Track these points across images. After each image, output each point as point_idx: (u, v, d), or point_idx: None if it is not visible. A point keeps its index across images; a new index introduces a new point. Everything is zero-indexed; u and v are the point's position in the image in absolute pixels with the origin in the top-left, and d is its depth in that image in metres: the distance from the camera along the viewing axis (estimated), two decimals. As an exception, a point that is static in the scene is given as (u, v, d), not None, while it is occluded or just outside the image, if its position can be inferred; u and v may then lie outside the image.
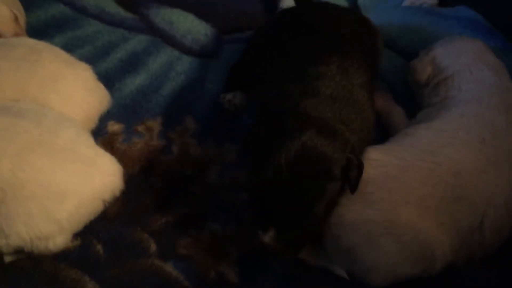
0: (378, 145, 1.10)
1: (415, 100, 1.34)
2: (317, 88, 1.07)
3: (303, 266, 1.06)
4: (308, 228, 0.97)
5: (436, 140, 1.07)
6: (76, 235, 1.05)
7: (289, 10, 1.43)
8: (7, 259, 1.01)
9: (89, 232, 1.07)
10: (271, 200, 0.93)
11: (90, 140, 1.09)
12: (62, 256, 1.04)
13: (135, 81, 1.42)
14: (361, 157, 1.02)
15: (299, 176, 0.92)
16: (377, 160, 1.04)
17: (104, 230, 1.09)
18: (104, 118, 1.28)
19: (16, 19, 1.38)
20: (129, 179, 1.15)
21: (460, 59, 1.25)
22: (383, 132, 1.29)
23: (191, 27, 1.61)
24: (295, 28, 1.28)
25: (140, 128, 1.30)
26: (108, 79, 1.36)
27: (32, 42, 1.22)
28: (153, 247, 1.08)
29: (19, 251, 0.99)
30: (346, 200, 1.00)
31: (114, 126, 1.30)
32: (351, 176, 0.96)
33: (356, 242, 0.99)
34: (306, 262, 1.06)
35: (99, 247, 1.07)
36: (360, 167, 0.97)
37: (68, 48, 1.39)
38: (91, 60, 1.36)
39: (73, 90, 1.18)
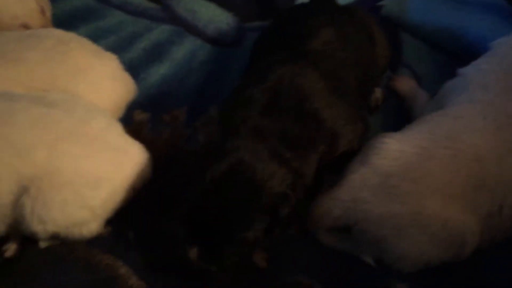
0: (396, 133, 1.09)
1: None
2: (264, 97, 1.00)
3: (332, 253, 1.08)
4: (230, 253, 0.91)
5: (454, 127, 1.07)
6: (108, 222, 1.08)
7: (296, 7, 1.42)
8: (42, 244, 1.04)
9: (121, 218, 1.09)
10: (197, 219, 0.90)
11: (120, 129, 1.10)
12: (95, 242, 1.06)
13: (160, 71, 1.44)
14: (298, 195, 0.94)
15: (221, 201, 0.88)
16: (397, 150, 1.03)
17: (135, 216, 1.11)
18: (131, 108, 1.30)
19: (42, 11, 1.40)
20: (157, 167, 1.17)
21: None
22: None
23: (213, 16, 1.62)
24: (283, 28, 1.25)
25: (166, 117, 1.32)
26: (132, 69, 1.37)
27: (60, 33, 1.24)
28: (182, 234, 1.10)
29: (54, 237, 1.01)
30: (370, 195, 1.01)
31: (140, 115, 1.32)
32: (280, 213, 0.90)
33: (384, 235, 0.99)
34: (335, 249, 1.08)
35: (130, 233, 1.10)
36: (296, 208, 0.92)
37: (93, 38, 1.39)
38: (116, 50, 1.36)
39: (101, 80, 1.20)
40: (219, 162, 0.91)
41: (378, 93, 1.37)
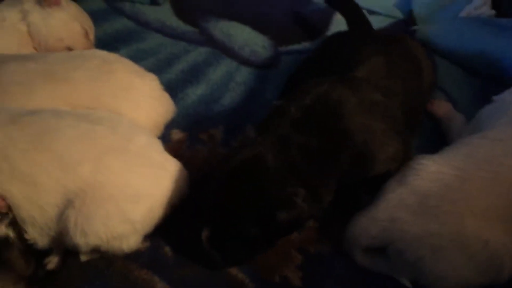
0: (434, 155, 1.09)
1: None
2: (298, 112, 1.04)
3: (368, 273, 1.07)
4: (235, 249, 0.99)
5: (493, 150, 1.06)
6: (146, 237, 1.10)
7: (344, 33, 1.45)
8: (83, 258, 1.07)
9: (158, 234, 1.11)
10: (213, 205, 0.98)
11: (160, 147, 1.13)
12: (133, 256, 1.08)
13: (197, 91, 1.48)
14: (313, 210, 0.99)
15: (230, 191, 0.96)
16: (436, 172, 1.03)
17: (171, 233, 1.13)
18: (169, 126, 1.33)
19: (86, 34, 1.46)
20: (194, 185, 1.19)
21: None
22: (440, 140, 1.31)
23: (248, 39, 1.66)
24: (331, 53, 1.30)
25: (203, 136, 1.35)
26: (171, 90, 1.40)
27: (104, 54, 1.28)
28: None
29: (95, 250, 1.03)
30: (408, 215, 1.00)
31: (178, 134, 1.35)
32: (278, 218, 0.94)
33: (422, 255, 0.98)
34: (370, 269, 1.07)
35: (167, 249, 1.11)
36: (301, 219, 0.97)
37: (133, 60, 1.43)
38: (154, 71, 1.40)
39: (142, 99, 1.24)
40: (236, 157, 0.99)
41: None
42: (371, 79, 1.12)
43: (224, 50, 1.62)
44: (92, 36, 1.49)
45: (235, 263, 1.06)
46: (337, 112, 1.03)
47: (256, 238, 0.96)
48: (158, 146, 1.13)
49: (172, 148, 1.30)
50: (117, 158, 1.03)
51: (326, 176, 1.01)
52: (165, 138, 1.32)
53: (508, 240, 0.97)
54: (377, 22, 1.75)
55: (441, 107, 1.39)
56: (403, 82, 1.17)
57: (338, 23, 1.73)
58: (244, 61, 1.58)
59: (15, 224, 0.98)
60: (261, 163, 0.97)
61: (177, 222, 1.14)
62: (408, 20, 1.77)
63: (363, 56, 1.17)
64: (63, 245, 1.03)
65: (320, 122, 1.02)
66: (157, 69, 1.49)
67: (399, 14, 1.81)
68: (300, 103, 1.05)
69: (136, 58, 1.53)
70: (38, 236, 1.01)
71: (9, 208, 0.97)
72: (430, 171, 1.03)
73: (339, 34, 1.44)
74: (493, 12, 1.72)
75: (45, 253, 1.07)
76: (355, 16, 1.46)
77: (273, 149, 0.98)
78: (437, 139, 1.34)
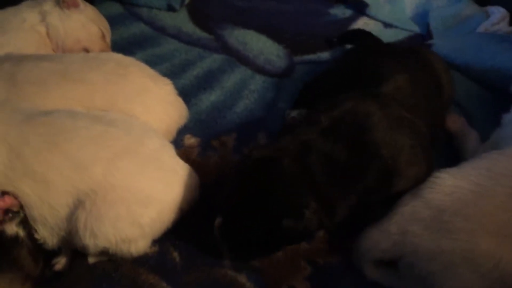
0: (451, 168, 1.07)
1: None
2: (327, 122, 1.04)
3: (376, 286, 1.06)
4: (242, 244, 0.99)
5: (511, 166, 1.05)
6: (155, 242, 1.09)
7: (366, 47, 1.45)
8: (91, 260, 1.06)
9: (167, 239, 1.11)
10: (228, 197, 1.00)
11: (172, 151, 1.13)
12: (141, 260, 1.08)
13: (210, 98, 1.48)
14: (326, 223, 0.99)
15: (245, 187, 0.97)
16: (452, 186, 1.02)
17: (180, 238, 1.13)
18: (181, 132, 1.34)
19: (103, 36, 1.48)
20: (204, 191, 1.19)
21: None
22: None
23: (263, 47, 1.66)
24: (355, 66, 1.30)
25: (215, 143, 1.35)
26: (184, 95, 1.41)
27: (120, 57, 1.29)
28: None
29: (102, 252, 1.03)
30: (420, 229, 0.99)
31: (190, 140, 1.35)
32: (283, 225, 0.93)
33: (433, 270, 0.97)
34: (380, 283, 1.05)
35: (175, 254, 1.11)
36: (304, 230, 0.95)
37: (148, 64, 1.44)
38: (169, 76, 1.41)
39: (156, 103, 1.24)
40: (257, 154, 1.00)
41: None
42: (397, 96, 1.12)
43: (239, 57, 1.62)
44: (108, 39, 1.51)
45: (240, 258, 1.06)
46: (365, 126, 1.03)
47: (262, 240, 0.96)
48: (170, 150, 1.12)
49: (184, 153, 1.30)
50: (130, 160, 1.02)
51: (347, 190, 1.00)
52: (177, 143, 1.32)
53: (521, 260, 0.95)
54: (393, 35, 1.76)
55: (456, 122, 1.38)
56: (427, 99, 1.18)
57: (354, 35, 1.73)
58: (258, 69, 1.58)
59: (25, 223, 0.98)
60: (279, 166, 0.97)
61: (186, 227, 1.14)
62: (425, 34, 1.76)
63: (387, 73, 1.17)
64: (72, 246, 1.03)
65: (348, 134, 1.02)
66: (171, 74, 1.50)
67: (415, 28, 1.80)
68: (329, 114, 1.05)
69: (151, 62, 1.54)
70: (48, 235, 1.01)
71: (21, 206, 0.97)
72: (446, 184, 1.02)
73: (361, 48, 1.44)
74: (510, 28, 1.71)
75: (53, 253, 1.07)
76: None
77: (294, 154, 0.98)
78: (450, 154, 1.32)
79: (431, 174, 1.06)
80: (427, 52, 1.34)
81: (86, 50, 1.44)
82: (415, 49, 1.35)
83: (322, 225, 0.99)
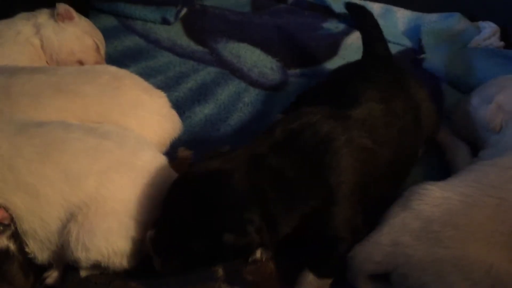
0: (440, 181, 1.09)
1: (476, 141, 1.33)
2: (281, 136, 1.01)
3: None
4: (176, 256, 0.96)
5: (501, 177, 1.07)
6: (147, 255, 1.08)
7: (354, 64, 1.41)
8: (83, 273, 1.05)
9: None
10: (167, 205, 0.97)
11: (166, 164, 1.13)
12: (134, 274, 1.06)
13: (204, 110, 1.48)
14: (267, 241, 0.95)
15: (187, 198, 0.93)
16: (440, 197, 1.03)
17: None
18: (175, 144, 1.33)
19: (97, 49, 1.48)
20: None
21: None
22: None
23: (257, 61, 1.67)
24: (336, 84, 1.28)
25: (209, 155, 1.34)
26: (178, 108, 1.42)
27: (114, 69, 1.29)
28: (220, 271, 1.09)
29: (94, 266, 1.02)
30: (411, 239, 0.99)
31: (183, 152, 1.35)
32: (224, 239, 0.89)
33: (425, 280, 0.97)
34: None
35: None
36: (245, 246, 0.91)
37: (142, 77, 1.45)
38: (163, 89, 1.41)
39: (150, 116, 1.24)
40: (203, 165, 0.97)
41: None
42: (367, 123, 1.09)
43: (233, 70, 1.63)
44: (103, 51, 1.51)
45: (173, 270, 1.01)
46: (321, 147, 1.00)
47: (200, 253, 0.93)
48: (163, 162, 1.12)
49: (178, 165, 1.29)
50: (122, 173, 1.02)
51: (292, 209, 0.97)
52: (171, 155, 1.31)
53: (511, 266, 0.96)
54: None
55: (446, 135, 1.39)
56: (400, 131, 1.14)
57: (347, 49, 1.74)
58: (252, 82, 1.59)
59: (16, 236, 0.97)
60: (225, 179, 0.93)
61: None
62: (417, 48, 1.78)
63: (364, 98, 1.13)
64: (63, 260, 1.02)
65: (302, 151, 0.99)
66: (165, 87, 1.50)
67: (407, 42, 1.82)
68: (286, 127, 1.03)
69: (145, 75, 1.54)
70: (38, 250, 1.00)
71: (12, 219, 0.96)
72: (434, 196, 1.03)
73: (347, 67, 1.41)
74: (501, 43, 1.73)
75: (45, 267, 1.05)
76: (373, 33, 1.42)
77: (243, 167, 0.95)
78: (442, 168, 1.33)
79: (361, 232, 1.04)
80: (413, 81, 1.29)
81: (81, 63, 1.45)
82: (400, 75, 1.29)
83: (264, 242, 0.95)
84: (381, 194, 1.12)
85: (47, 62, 1.40)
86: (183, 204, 0.94)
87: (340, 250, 1.02)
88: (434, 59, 1.67)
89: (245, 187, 0.93)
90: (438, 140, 1.40)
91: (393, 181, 1.15)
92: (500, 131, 1.26)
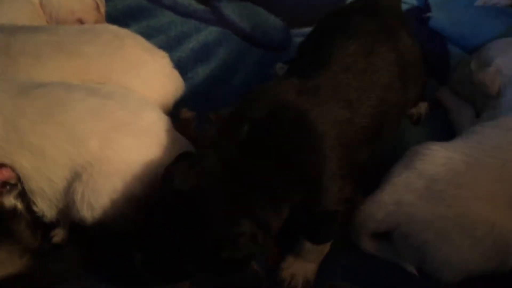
0: (444, 142, 1.09)
1: (476, 103, 1.32)
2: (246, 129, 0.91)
3: (372, 259, 1.07)
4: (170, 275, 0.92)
5: (503, 138, 1.07)
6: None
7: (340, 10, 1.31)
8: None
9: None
10: (149, 228, 0.91)
11: (169, 124, 1.12)
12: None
13: (206, 71, 1.47)
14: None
15: (172, 220, 0.87)
16: (444, 157, 1.04)
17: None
18: (177, 105, 1.32)
19: (97, 7, 1.45)
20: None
21: None
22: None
23: (260, 20, 1.64)
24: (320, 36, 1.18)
25: (212, 116, 1.34)
26: (180, 68, 1.38)
27: (115, 29, 1.27)
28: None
29: (100, 225, 1.03)
30: (414, 198, 1.00)
31: (186, 114, 1.35)
32: (222, 256, 0.84)
33: (427, 239, 0.99)
34: (376, 256, 1.07)
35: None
36: (245, 257, 0.86)
37: (143, 37, 1.42)
38: (165, 49, 1.38)
39: (152, 76, 1.23)
40: (179, 185, 0.88)
41: (422, 108, 1.35)
42: (340, 90, 0.98)
43: (235, 30, 1.60)
44: (103, 10, 1.49)
45: (168, 283, 0.98)
46: (293, 133, 0.91)
47: (193, 272, 0.90)
48: (167, 123, 1.12)
49: (181, 126, 1.29)
50: (126, 133, 1.02)
51: (278, 205, 0.90)
52: (173, 116, 1.31)
53: (513, 226, 0.97)
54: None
55: (450, 96, 1.38)
56: (382, 92, 1.03)
57: (352, 7, 1.70)
58: (255, 43, 1.57)
59: (23, 195, 0.98)
60: (205, 197, 0.87)
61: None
62: (423, 7, 1.74)
63: (338, 56, 1.02)
64: (70, 219, 1.03)
65: (273, 144, 0.90)
66: (167, 47, 1.47)
67: (413, 1, 1.78)
68: (248, 119, 0.92)
69: (146, 35, 1.50)
70: (46, 208, 1.01)
71: (19, 179, 0.97)
72: (438, 156, 1.04)
73: (333, 14, 1.27)
74: (509, 2, 1.70)
75: (52, 226, 1.07)
76: None
77: (218, 178, 0.88)
78: (448, 129, 1.33)
79: (354, 199, 1.02)
80: (405, 33, 1.16)
81: (80, 21, 1.42)
82: (391, 24, 1.14)
83: (259, 246, 0.89)
84: (372, 157, 1.06)
85: (46, 21, 1.38)
86: (169, 229, 0.87)
87: (333, 221, 1.00)
88: (440, 17, 1.64)
89: (227, 200, 0.87)
90: (441, 100, 1.39)
91: (381, 143, 1.07)
92: (497, 95, 1.24)
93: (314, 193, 0.93)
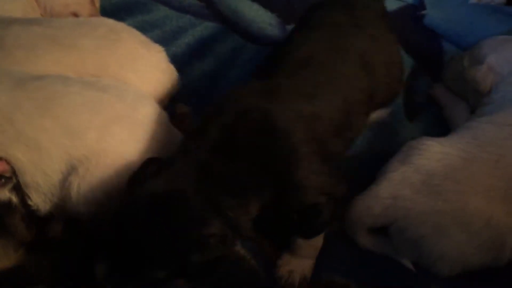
0: (440, 137, 1.10)
1: (468, 100, 1.33)
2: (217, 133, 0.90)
3: (369, 254, 1.08)
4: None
5: (499, 133, 1.08)
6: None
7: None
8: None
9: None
10: (114, 238, 0.86)
11: (166, 118, 1.12)
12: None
13: (202, 66, 1.46)
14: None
15: (140, 226, 0.84)
16: (440, 152, 1.05)
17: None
18: (173, 100, 1.32)
19: (92, 1, 1.44)
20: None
21: None
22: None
23: (256, 16, 1.64)
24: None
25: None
26: (176, 63, 1.37)
27: (111, 22, 1.26)
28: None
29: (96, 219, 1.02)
30: (411, 192, 1.01)
31: (182, 109, 1.34)
32: (192, 260, 0.83)
33: (424, 233, 0.99)
34: (373, 251, 1.07)
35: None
36: (216, 259, 0.84)
37: (138, 31, 1.43)
38: (160, 43, 1.37)
39: (148, 70, 1.22)
40: (150, 188, 0.86)
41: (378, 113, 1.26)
42: (299, 87, 1.00)
43: (231, 26, 1.60)
44: (98, 4, 1.48)
45: None
46: (260, 132, 0.91)
47: (165, 280, 0.86)
48: (164, 117, 1.12)
49: (178, 121, 1.29)
50: (123, 127, 1.02)
51: (245, 203, 0.89)
52: (169, 111, 1.30)
53: (510, 221, 0.98)
54: (386, 5, 1.74)
55: (444, 93, 1.39)
56: (346, 84, 1.05)
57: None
58: (251, 38, 1.56)
59: (18, 189, 0.97)
60: (175, 200, 0.86)
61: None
62: (418, 4, 1.75)
63: (303, 50, 1.04)
64: (65, 212, 1.02)
65: (242, 145, 0.90)
66: (162, 42, 1.44)
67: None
68: (218, 121, 0.93)
69: (142, 29, 1.48)
70: (41, 202, 1.00)
71: (14, 172, 0.96)
72: (434, 151, 1.05)
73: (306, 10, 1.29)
74: (503, 0, 1.71)
75: (47, 220, 1.06)
76: None
77: (189, 181, 0.87)
78: (442, 126, 1.33)
79: (339, 188, 0.98)
80: (382, 23, 1.16)
81: (75, 15, 1.41)
82: (362, 25, 1.13)
83: (229, 248, 0.90)
84: (344, 147, 1.08)
85: (41, 14, 1.37)
86: (136, 234, 0.84)
87: (318, 214, 0.98)
88: (434, 15, 1.64)
89: (196, 201, 0.85)
90: (436, 97, 1.40)
91: (352, 134, 1.09)
92: (489, 92, 1.25)
93: (289, 189, 0.92)
